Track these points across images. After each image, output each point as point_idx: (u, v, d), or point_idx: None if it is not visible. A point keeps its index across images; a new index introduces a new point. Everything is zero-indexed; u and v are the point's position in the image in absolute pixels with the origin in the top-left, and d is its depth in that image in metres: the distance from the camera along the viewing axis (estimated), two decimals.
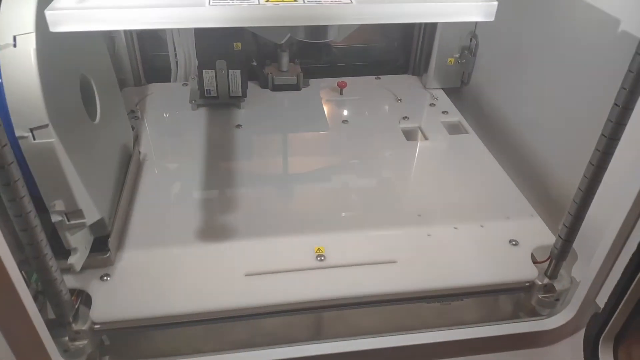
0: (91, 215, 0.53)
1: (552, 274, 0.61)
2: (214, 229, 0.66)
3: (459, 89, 1.03)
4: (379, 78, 1.06)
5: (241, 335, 0.62)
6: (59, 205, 0.49)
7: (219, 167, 0.79)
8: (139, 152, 0.78)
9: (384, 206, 0.72)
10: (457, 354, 0.62)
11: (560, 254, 0.58)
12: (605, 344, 0.57)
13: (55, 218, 0.50)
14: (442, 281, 0.60)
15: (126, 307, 0.55)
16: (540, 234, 0.66)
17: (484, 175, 0.78)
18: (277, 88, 1.00)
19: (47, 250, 0.46)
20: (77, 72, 0.57)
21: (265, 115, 0.92)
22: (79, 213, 0.51)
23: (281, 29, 0.50)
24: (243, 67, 0.89)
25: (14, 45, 0.45)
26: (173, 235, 0.65)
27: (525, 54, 0.81)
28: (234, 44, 0.86)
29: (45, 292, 0.51)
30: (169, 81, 1.02)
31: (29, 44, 0.45)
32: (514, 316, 0.66)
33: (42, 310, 0.53)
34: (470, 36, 0.97)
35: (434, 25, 0.99)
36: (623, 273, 0.52)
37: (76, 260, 0.53)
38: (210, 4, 0.39)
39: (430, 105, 0.97)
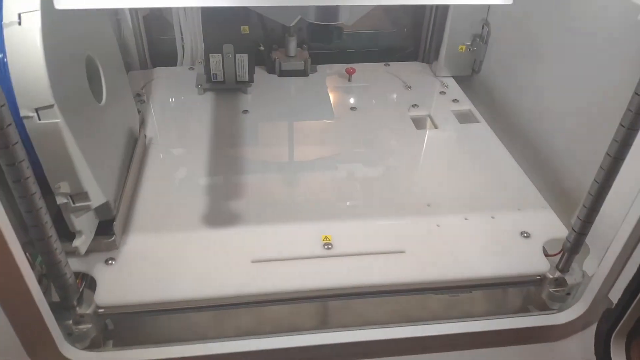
0: (96, 198, 0.53)
1: (564, 268, 0.60)
2: (219, 214, 0.66)
3: (470, 77, 1.01)
4: (388, 65, 1.05)
5: (246, 323, 0.62)
6: (64, 187, 0.49)
7: (225, 152, 0.77)
8: (145, 135, 0.77)
9: (392, 195, 0.71)
10: (465, 346, 0.61)
11: (573, 248, 0.57)
12: (617, 340, 0.56)
13: (60, 200, 0.49)
14: (450, 272, 0.59)
15: (130, 291, 0.55)
16: (552, 227, 0.65)
17: (494, 166, 0.77)
18: (284, 74, 0.98)
19: (52, 233, 0.45)
20: (83, 52, 0.56)
21: (272, 101, 0.91)
22: (84, 195, 0.50)
23: (291, 10, 0.49)
24: (250, 51, 0.88)
25: (19, 24, 0.44)
26: (178, 220, 0.64)
27: (538, 42, 0.79)
28: (242, 27, 0.84)
29: (49, 274, 0.50)
30: (175, 65, 1.00)
31: (34, 23, 0.44)
32: (523, 310, 0.65)
33: (46, 293, 0.52)
34: (482, 23, 0.95)
35: (445, 12, 0.97)
36: (638, 269, 0.51)
37: (81, 243, 0.52)
38: None
39: (441, 93, 0.96)
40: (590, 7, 0.66)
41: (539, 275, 0.60)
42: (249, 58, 0.88)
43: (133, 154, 0.69)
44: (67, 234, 0.53)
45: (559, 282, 0.60)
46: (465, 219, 0.65)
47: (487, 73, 0.97)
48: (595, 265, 0.57)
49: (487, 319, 0.60)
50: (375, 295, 0.59)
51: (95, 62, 0.59)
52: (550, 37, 0.76)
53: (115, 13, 0.93)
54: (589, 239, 0.58)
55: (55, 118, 0.45)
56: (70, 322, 0.53)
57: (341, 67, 1.00)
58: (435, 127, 0.86)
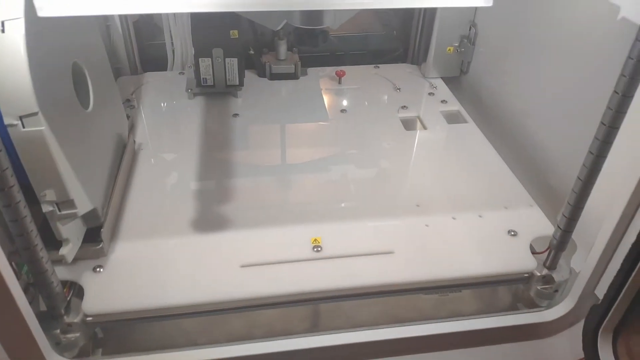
0: (83, 205, 0.52)
1: (551, 265, 0.60)
2: (209, 219, 0.66)
3: (458, 78, 1.02)
4: (378, 67, 1.05)
5: (237, 328, 0.62)
6: (50, 195, 0.49)
7: (215, 157, 0.78)
8: (134, 141, 0.77)
9: (381, 196, 0.71)
10: (456, 346, 0.61)
11: (559, 245, 0.58)
12: (604, 335, 0.56)
13: (46, 208, 0.49)
14: (439, 272, 0.59)
15: (119, 299, 0.55)
16: (540, 224, 0.66)
17: (482, 165, 0.77)
18: (274, 77, 0.98)
19: (38, 241, 0.45)
20: (69, 59, 0.56)
21: (262, 105, 0.91)
22: (70, 203, 0.50)
23: (277, 14, 0.49)
24: (240, 55, 0.88)
25: (2, 31, 0.44)
26: (168, 226, 0.64)
27: (524, 42, 0.80)
28: (231, 32, 0.84)
29: (36, 283, 0.50)
30: (166, 70, 1.00)
31: (18, 30, 0.44)
32: (512, 308, 0.65)
33: (33, 302, 0.52)
34: (469, 24, 0.96)
35: (432, 14, 0.97)
36: (622, 264, 0.51)
37: (68, 251, 0.52)
38: None
39: (429, 94, 0.96)
40: (573, 8, 0.67)
41: (526, 273, 0.60)
42: (239, 62, 0.89)
43: (121, 160, 0.69)
44: (54, 242, 0.53)
45: (547, 280, 0.60)
46: (454, 218, 0.66)
47: (475, 73, 0.98)
48: (582, 261, 0.58)
49: (476, 318, 0.60)
50: (365, 297, 0.59)
51: (82, 68, 0.59)
52: (535, 37, 0.77)
53: (104, 19, 0.93)
54: (575, 236, 0.58)
55: (40, 126, 0.45)
56: (58, 331, 0.52)
57: (331, 70, 1.00)
58: (425, 128, 0.87)
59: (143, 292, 0.56)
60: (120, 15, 0.92)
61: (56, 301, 0.51)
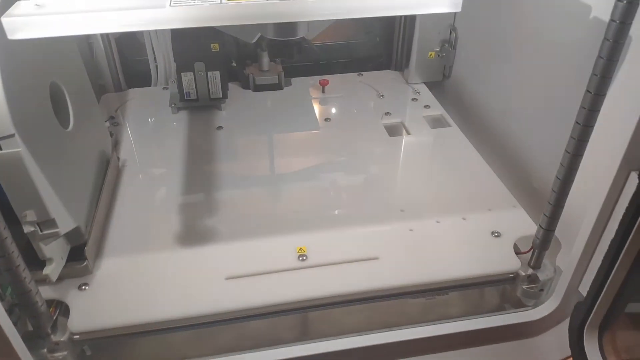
0: (65, 224, 0.53)
1: (536, 264, 0.61)
2: (194, 233, 0.66)
3: (441, 82, 1.03)
4: (361, 75, 1.06)
5: (226, 340, 0.61)
6: (31, 215, 0.49)
7: (199, 170, 0.78)
8: (118, 158, 0.77)
9: (366, 203, 0.71)
10: (444, 348, 0.61)
11: (542, 244, 0.58)
12: (590, 332, 0.57)
13: (27, 229, 0.49)
14: (425, 275, 0.59)
15: (106, 315, 0.55)
16: (523, 225, 0.66)
17: (466, 168, 0.78)
18: (258, 88, 0.99)
19: (20, 262, 0.45)
20: (47, 79, 0.56)
21: (247, 116, 0.92)
22: (51, 223, 0.50)
23: (250, 27, 0.50)
24: (222, 68, 0.89)
25: None
26: (153, 241, 0.64)
27: (504, 45, 0.81)
28: (212, 45, 0.85)
29: (20, 304, 0.50)
30: (150, 85, 1.01)
31: None
32: (500, 308, 0.66)
33: (19, 322, 0.52)
34: (449, 29, 0.97)
35: (413, 19, 0.99)
36: (603, 260, 0.52)
37: (52, 270, 0.52)
38: (172, 4, 0.38)
39: (413, 100, 0.97)
40: (547, 8, 0.68)
41: (511, 273, 0.61)
42: (222, 75, 0.89)
43: (105, 177, 0.69)
44: (39, 261, 0.52)
45: (532, 279, 0.61)
46: (437, 222, 0.66)
47: (457, 78, 0.99)
48: (566, 260, 0.59)
49: (464, 319, 0.60)
50: (352, 303, 0.59)
51: (61, 88, 0.59)
52: (514, 40, 0.78)
53: (86, 37, 0.94)
54: (559, 234, 0.59)
55: (17, 147, 0.45)
56: (45, 350, 0.52)
57: (315, 79, 1.01)
58: (408, 133, 0.87)
59: (129, 307, 0.56)
60: (102, 33, 0.93)
61: (42, 320, 0.51)
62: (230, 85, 0.99)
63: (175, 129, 0.88)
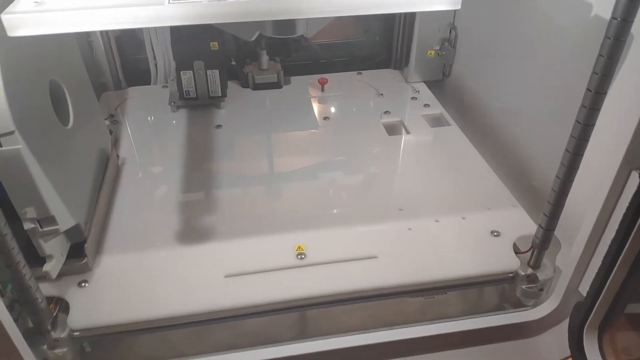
0: (65, 221, 0.53)
1: (535, 264, 0.60)
2: (193, 231, 0.66)
3: (441, 81, 1.03)
4: (361, 73, 1.06)
5: (225, 337, 0.61)
6: (31, 212, 0.49)
7: (198, 168, 0.78)
8: (118, 156, 0.77)
9: (365, 202, 0.71)
10: (443, 347, 0.61)
11: (541, 244, 0.58)
12: (589, 332, 0.56)
13: (27, 225, 0.49)
14: (424, 275, 0.59)
15: (105, 312, 0.55)
16: (523, 224, 0.66)
17: (465, 167, 0.78)
18: (258, 87, 0.99)
19: (20, 258, 0.45)
20: (47, 77, 0.56)
21: (246, 115, 0.92)
22: (51, 220, 0.50)
23: (248, 25, 0.50)
24: (221, 66, 0.89)
25: None
26: (153, 239, 0.64)
27: (504, 43, 0.81)
28: (211, 43, 0.85)
29: (20, 300, 0.50)
30: (150, 84, 1.01)
31: None
32: (499, 308, 0.66)
33: (19, 318, 0.52)
34: (449, 27, 0.97)
35: (412, 18, 0.99)
36: (603, 260, 0.52)
37: (51, 267, 0.52)
38: (170, 2, 0.38)
39: (412, 98, 0.97)
40: (549, 6, 0.68)
41: (510, 273, 0.60)
42: (221, 73, 0.89)
43: (105, 175, 0.69)
44: (39, 258, 0.53)
45: (531, 279, 0.61)
46: (437, 221, 0.66)
47: (457, 76, 0.99)
48: (566, 259, 0.58)
49: (463, 319, 0.60)
50: (350, 302, 0.59)
51: (61, 85, 0.59)
52: (514, 39, 0.77)
53: (86, 35, 0.94)
54: (559, 234, 0.59)
55: (17, 144, 0.45)
56: (45, 347, 0.52)
57: (315, 78, 1.01)
58: (407, 132, 0.87)
59: (129, 305, 0.56)
60: (101, 31, 0.93)
61: (42, 317, 0.51)
62: (230, 83, 0.99)
63: (174, 128, 0.88)
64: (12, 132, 0.45)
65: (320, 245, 0.63)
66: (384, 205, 0.70)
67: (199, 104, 0.92)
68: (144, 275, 0.59)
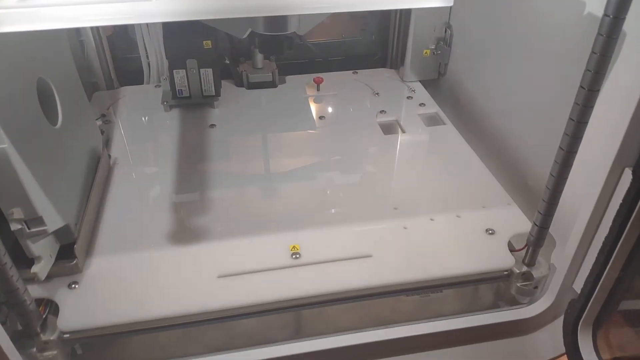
0: (53, 222, 0.52)
1: (530, 262, 0.60)
2: (186, 231, 0.65)
3: (436, 80, 1.02)
4: (356, 72, 1.05)
5: (218, 338, 0.61)
6: (17, 213, 0.48)
7: (191, 168, 0.77)
8: (109, 155, 0.76)
9: (360, 201, 0.71)
10: (438, 346, 0.61)
11: (536, 241, 0.58)
12: (584, 329, 0.56)
13: (14, 226, 0.49)
14: (419, 273, 0.59)
15: (96, 314, 0.54)
16: (518, 222, 0.66)
17: (461, 166, 0.78)
18: (252, 86, 0.98)
19: (7, 260, 0.45)
20: (34, 75, 0.55)
21: (240, 114, 0.91)
22: (39, 220, 0.49)
23: (239, 22, 0.49)
24: (215, 65, 0.88)
25: None
26: (144, 240, 0.63)
27: (499, 42, 0.81)
28: (204, 42, 0.84)
29: (7, 302, 0.49)
30: (143, 83, 1.00)
31: None
32: (494, 306, 0.65)
33: (7, 321, 0.51)
34: (445, 27, 0.96)
35: (408, 17, 0.98)
36: (597, 257, 0.52)
37: (40, 269, 0.52)
38: None
39: (408, 98, 0.97)
40: (543, 5, 0.68)
41: (505, 271, 0.60)
42: (214, 72, 0.89)
43: (95, 175, 0.68)
44: (28, 259, 0.52)
45: (526, 276, 0.60)
46: (432, 219, 0.66)
47: (452, 75, 0.98)
48: (560, 257, 0.58)
49: (458, 317, 0.60)
50: (345, 301, 0.59)
51: (49, 84, 0.58)
52: (509, 37, 0.77)
53: (77, 34, 0.93)
54: (554, 232, 0.59)
55: (2, 143, 0.44)
56: (34, 349, 0.52)
57: (310, 77, 1.00)
58: (403, 131, 0.87)
59: (120, 306, 0.55)
60: (93, 30, 0.92)
61: (30, 319, 0.50)
62: (224, 82, 0.98)
63: (167, 127, 0.87)
64: None
65: (315, 245, 0.62)
66: (379, 204, 0.70)
67: (192, 104, 0.91)
68: (135, 276, 0.58)
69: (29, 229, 0.49)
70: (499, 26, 0.80)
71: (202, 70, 0.87)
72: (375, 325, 0.59)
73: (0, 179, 0.46)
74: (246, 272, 0.59)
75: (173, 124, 0.88)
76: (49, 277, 0.55)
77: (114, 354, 0.60)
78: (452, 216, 0.67)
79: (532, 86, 0.73)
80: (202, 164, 0.78)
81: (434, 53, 0.99)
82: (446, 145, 0.83)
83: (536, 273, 0.60)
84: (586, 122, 0.49)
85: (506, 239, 0.63)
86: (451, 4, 0.44)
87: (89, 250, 0.61)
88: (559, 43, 0.65)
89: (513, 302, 0.63)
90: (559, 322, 0.60)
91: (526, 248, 0.60)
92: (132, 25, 0.94)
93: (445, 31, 0.96)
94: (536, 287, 0.61)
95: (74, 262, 0.57)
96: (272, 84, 0.99)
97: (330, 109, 0.94)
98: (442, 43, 0.97)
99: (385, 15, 1.06)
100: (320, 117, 0.91)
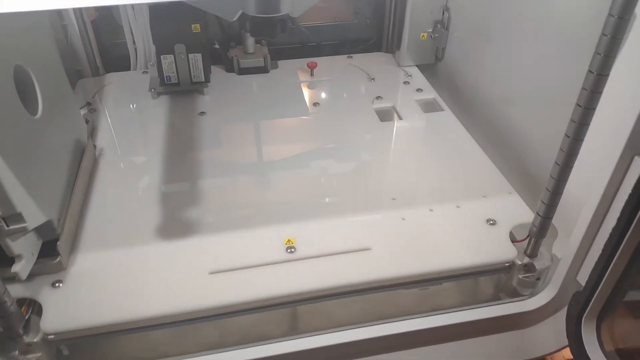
0: (34, 218, 0.49)
1: (532, 253, 0.59)
2: (175, 225, 0.63)
3: (434, 65, 1.00)
4: (351, 57, 1.03)
5: (211, 336, 0.59)
6: None
7: (180, 158, 0.74)
8: (94, 146, 0.73)
9: (356, 191, 0.69)
10: (440, 340, 0.60)
11: (539, 232, 0.56)
12: (588, 322, 0.55)
13: None
14: (418, 266, 0.57)
15: (81, 314, 0.52)
16: (519, 212, 0.64)
17: (460, 154, 0.76)
18: (243, 71, 0.95)
19: None
20: (10, 62, 0.52)
21: (230, 101, 0.88)
22: (18, 217, 0.47)
23: (229, 3, 0.46)
24: (204, 50, 0.85)
25: None
26: (132, 234, 0.61)
27: (499, 26, 0.78)
28: (192, 26, 0.80)
29: None
30: (130, 69, 0.96)
31: None
32: (495, 298, 0.64)
33: None
34: (442, 9, 0.93)
35: None
36: (604, 249, 0.50)
37: (21, 267, 0.49)
38: None
39: (404, 83, 0.94)
40: None
41: (507, 262, 0.59)
42: (203, 57, 0.85)
43: (80, 167, 0.65)
44: (8, 258, 0.49)
45: (528, 268, 0.59)
46: (431, 210, 0.64)
47: (450, 60, 0.96)
48: (564, 248, 0.57)
49: (459, 310, 0.59)
50: (343, 296, 0.57)
51: (28, 72, 0.55)
52: (511, 20, 0.75)
53: (59, 18, 0.89)
54: (556, 222, 0.57)
55: None
56: (17, 352, 0.50)
57: (303, 62, 0.97)
58: (400, 118, 0.84)
59: (107, 305, 0.53)
60: (76, 14, 0.88)
61: (12, 321, 0.48)
62: (213, 68, 0.95)
63: (155, 115, 0.84)
64: None
65: (311, 238, 0.60)
66: (377, 194, 0.68)
67: (181, 90, 0.88)
68: (123, 273, 0.56)
69: (7, 226, 0.47)
70: (499, 8, 0.77)
71: (190, 56, 0.84)
72: (374, 320, 0.58)
73: None
74: (239, 267, 0.56)
75: (161, 111, 0.84)
76: (31, 276, 0.52)
77: (102, 354, 0.58)
78: (452, 206, 0.65)
79: (535, 70, 0.70)
80: (192, 153, 0.75)
81: (431, 37, 0.96)
82: (444, 132, 0.81)
83: (538, 265, 0.58)
84: (594, 109, 0.46)
85: (507, 230, 0.61)
86: None
87: (73, 247, 0.58)
88: (564, 24, 0.63)
89: (514, 294, 0.62)
90: (561, 314, 0.58)
91: (528, 239, 0.58)
92: (117, 9, 0.90)
93: (443, 14, 0.94)
94: (538, 279, 0.60)
95: (58, 259, 0.54)
96: (264, 69, 0.96)
97: (324, 95, 0.91)
98: (439, 26, 0.95)
99: None
100: (315, 104, 0.88)
